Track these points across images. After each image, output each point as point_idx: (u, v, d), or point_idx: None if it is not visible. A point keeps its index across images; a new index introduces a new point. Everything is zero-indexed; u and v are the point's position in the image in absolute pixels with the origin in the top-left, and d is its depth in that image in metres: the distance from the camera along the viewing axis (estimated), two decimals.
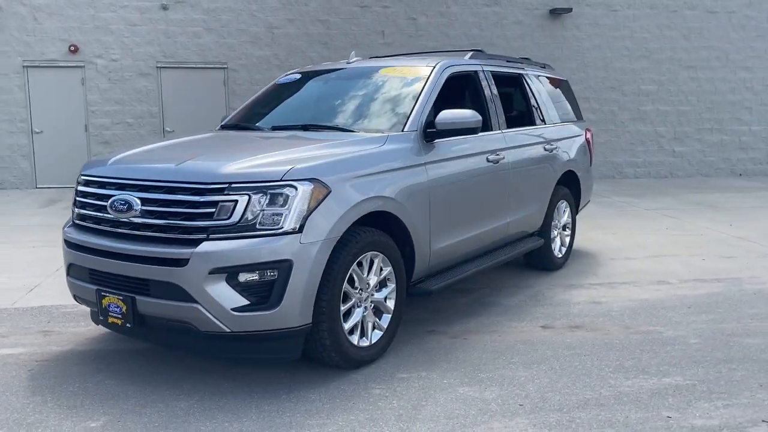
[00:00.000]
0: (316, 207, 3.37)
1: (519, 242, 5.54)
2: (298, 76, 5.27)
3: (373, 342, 3.81)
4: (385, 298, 3.91)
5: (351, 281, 3.64)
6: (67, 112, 12.14)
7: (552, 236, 6.01)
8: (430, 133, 4.26)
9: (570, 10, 12.97)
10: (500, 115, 5.17)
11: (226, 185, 3.29)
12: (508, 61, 5.85)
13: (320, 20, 12.52)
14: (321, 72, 5.20)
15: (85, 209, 3.72)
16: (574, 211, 6.46)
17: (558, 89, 6.54)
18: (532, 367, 3.77)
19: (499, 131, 5.10)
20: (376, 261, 3.79)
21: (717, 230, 8.04)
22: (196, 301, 3.22)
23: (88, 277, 3.63)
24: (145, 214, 3.40)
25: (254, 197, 3.27)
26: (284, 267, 3.25)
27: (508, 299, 5.19)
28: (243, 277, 3.23)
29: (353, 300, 3.66)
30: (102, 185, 3.66)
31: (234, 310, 3.22)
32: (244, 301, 3.24)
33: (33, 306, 5.02)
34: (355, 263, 3.61)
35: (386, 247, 3.83)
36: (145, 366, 3.79)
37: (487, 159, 4.83)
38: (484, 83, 5.10)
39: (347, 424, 3.06)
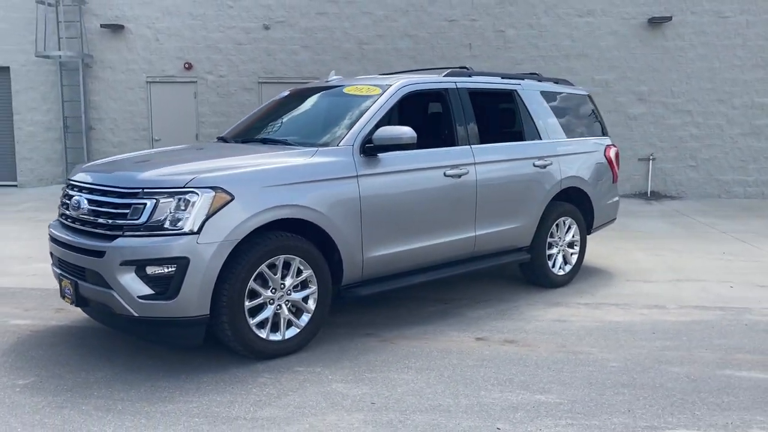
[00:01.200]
0: (216, 212, 3.82)
1: (499, 256, 5.60)
2: (287, 93, 5.76)
3: (286, 338, 4.18)
4: (306, 299, 4.27)
5: (264, 280, 4.05)
6: (181, 123, 13.63)
7: (549, 253, 5.96)
8: (370, 147, 4.55)
9: (669, 18, 12.28)
10: (471, 131, 5.29)
11: (140, 190, 3.85)
12: (503, 78, 5.92)
13: (408, 35, 12.95)
14: (302, 90, 5.64)
15: (61, 207, 4.48)
16: (584, 228, 6.31)
17: (572, 105, 6.45)
18: (422, 372, 3.94)
19: (467, 146, 5.22)
20: (293, 264, 4.16)
21: None
22: (111, 288, 3.81)
23: (57, 263, 4.36)
24: (89, 212, 4.06)
25: (162, 201, 3.79)
26: (182, 263, 3.73)
27: (476, 311, 5.29)
28: (149, 269, 3.76)
29: (262, 297, 4.05)
30: (71, 187, 4.39)
31: (140, 297, 3.76)
32: (149, 291, 3.76)
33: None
34: (264, 264, 4.01)
35: (304, 251, 4.18)
36: (106, 344, 4.44)
37: (445, 173, 4.99)
38: (453, 100, 5.25)
39: (208, 403, 3.47)
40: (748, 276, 6.54)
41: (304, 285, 4.27)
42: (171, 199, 3.80)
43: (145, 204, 3.80)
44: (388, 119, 4.88)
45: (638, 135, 12.81)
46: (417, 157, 4.90)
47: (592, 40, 12.64)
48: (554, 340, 4.58)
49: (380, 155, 4.63)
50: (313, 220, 4.21)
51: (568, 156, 6.07)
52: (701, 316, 5.20)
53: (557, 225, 6.04)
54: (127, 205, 3.85)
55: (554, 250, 6.06)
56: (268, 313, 4.09)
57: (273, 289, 4.11)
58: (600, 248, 7.91)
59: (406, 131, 4.53)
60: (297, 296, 4.23)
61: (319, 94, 5.34)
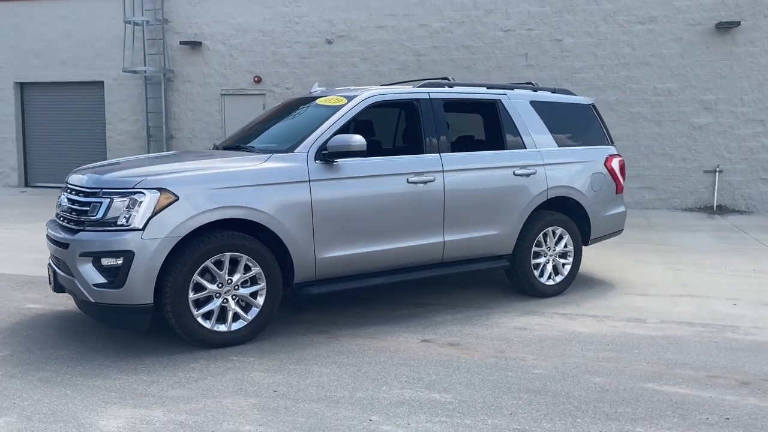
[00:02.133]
0: (161, 210, 4.24)
1: (475, 262, 5.68)
2: (279, 104, 6.14)
3: (232, 329, 4.53)
4: (255, 294, 4.60)
5: (212, 274, 4.42)
6: None
7: (535, 262, 5.95)
8: (324, 154, 4.83)
9: (738, 23, 11.62)
10: (441, 139, 5.43)
11: (99, 190, 4.35)
12: (489, 88, 6.01)
13: (464, 46, 13.06)
14: (291, 101, 5.99)
15: (56, 206, 5.09)
16: (578, 239, 6.22)
17: (569, 114, 6.40)
18: (344, 367, 4.16)
19: (436, 154, 5.37)
20: (241, 261, 4.51)
21: None
22: (73, 276, 4.33)
23: (49, 255, 4.97)
24: (67, 209, 4.61)
25: (115, 200, 4.26)
26: (128, 256, 4.18)
27: (445, 316, 5.41)
28: (104, 261, 4.24)
29: (208, 290, 4.42)
30: (63, 188, 4.98)
31: (95, 285, 4.25)
32: (103, 280, 4.24)
33: None
34: (210, 260, 4.39)
35: (251, 250, 4.52)
36: (89, 328, 4.97)
37: (408, 180, 5.17)
38: (425, 110, 5.41)
39: (132, 382, 3.88)
40: (764, 294, 6.18)
41: (254, 281, 4.61)
42: (124, 199, 4.26)
43: (102, 202, 4.29)
44: (349, 128, 5.12)
45: (703, 146, 12.18)
46: (378, 164, 5.13)
47: (654, 48, 12.18)
48: (498, 346, 4.63)
49: (341, 162, 4.90)
50: (260, 221, 4.54)
51: (556, 165, 6.04)
52: (675, 332, 5.04)
53: (546, 234, 6.01)
54: (89, 203, 4.36)
55: (542, 260, 6.03)
56: (213, 305, 4.46)
57: (220, 283, 4.47)
58: (618, 260, 7.71)
59: (355, 139, 4.77)
60: (245, 291, 4.57)
61: (300, 105, 5.68)
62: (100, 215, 4.28)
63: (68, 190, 4.75)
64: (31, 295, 5.97)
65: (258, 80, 14.21)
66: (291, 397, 3.66)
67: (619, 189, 6.58)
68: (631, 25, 12.26)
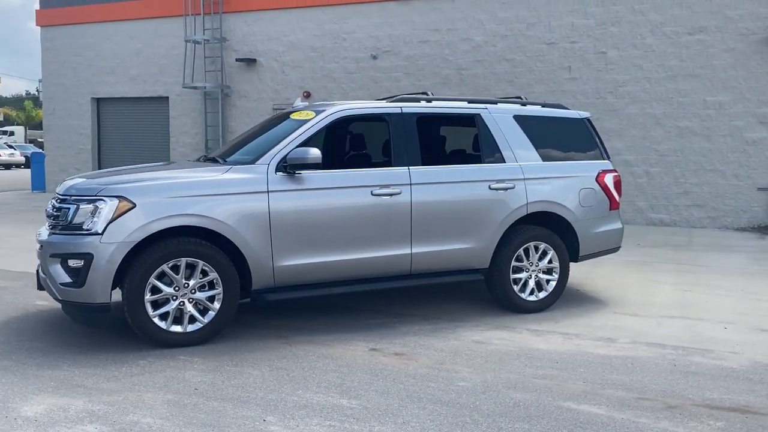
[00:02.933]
0: (119, 216, 4.57)
1: (448, 275, 5.71)
2: (267, 118, 6.41)
3: (188, 330, 4.80)
4: (212, 299, 4.86)
5: (169, 278, 4.71)
6: None
7: (515, 277, 5.89)
8: (285, 166, 5.03)
9: None
10: (411, 153, 5.50)
11: (69, 197, 4.74)
12: (470, 102, 6.04)
13: (506, 59, 12.98)
14: (276, 116, 6.24)
15: None
16: (565, 255, 6.10)
17: (559, 128, 6.32)
18: (275, 370, 4.32)
19: (404, 167, 5.46)
20: (198, 266, 4.78)
21: None
22: (47, 274, 4.73)
23: None
24: (50, 215, 5.04)
25: (81, 206, 4.64)
26: (88, 258, 4.54)
27: (411, 327, 5.46)
28: (70, 262, 4.62)
29: (164, 293, 4.71)
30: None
31: (61, 284, 4.63)
32: (68, 279, 4.62)
33: None
34: (166, 264, 4.68)
35: (208, 256, 4.78)
36: (76, 324, 5.39)
37: (372, 192, 5.29)
38: (395, 125, 5.52)
39: (75, 373, 4.20)
40: (759, 320, 5.84)
41: (211, 286, 4.86)
42: (89, 205, 4.63)
43: (70, 208, 4.68)
44: (314, 141, 5.30)
45: (758, 162, 11.51)
46: (342, 176, 5.29)
47: (704, 59, 11.66)
48: (441, 358, 4.65)
49: (306, 173, 5.10)
50: (214, 229, 4.80)
51: (539, 180, 5.98)
52: (639, 353, 4.88)
53: (527, 249, 5.95)
54: (60, 209, 4.76)
55: (523, 275, 5.97)
56: (169, 307, 4.75)
57: (176, 287, 4.75)
58: (628, 278, 7.48)
59: (311, 152, 4.96)
60: (201, 295, 4.82)
61: (280, 120, 5.92)
62: (68, 220, 4.67)
63: (54, 197, 5.20)
64: (45, 293, 6.49)
65: (307, 95, 14.67)
66: (206, 396, 3.86)
67: (613, 205, 6.41)
68: (679, 36, 11.80)
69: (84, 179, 5.02)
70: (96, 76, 17.19)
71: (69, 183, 4.99)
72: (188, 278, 4.78)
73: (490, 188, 5.76)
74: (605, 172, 6.37)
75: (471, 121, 5.96)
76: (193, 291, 4.80)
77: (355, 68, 14.27)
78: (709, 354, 4.87)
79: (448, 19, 13.38)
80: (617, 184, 6.45)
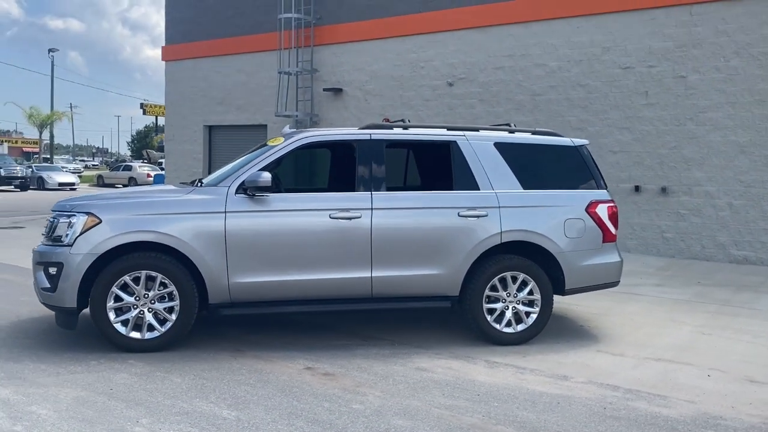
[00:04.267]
0: (86, 231, 5.13)
1: (413, 300, 5.73)
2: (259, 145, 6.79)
3: (146, 338, 5.23)
4: (171, 309, 5.27)
5: (131, 288, 5.19)
6: None
7: (489, 307, 5.77)
8: (243, 189, 5.36)
9: None
10: (375, 178, 5.62)
11: (55, 212, 5.38)
12: (449, 129, 6.04)
13: (581, 85, 12.55)
14: (260, 144, 6.57)
15: None
16: (547, 287, 5.87)
17: (546, 157, 6.15)
18: (197, 379, 4.62)
19: (367, 192, 5.58)
20: (158, 278, 5.22)
21: None
22: (34, 279, 5.40)
23: None
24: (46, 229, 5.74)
25: (60, 221, 5.26)
26: (59, 267, 5.13)
27: (371, 350, 5.54)
28: (49, 269, 5.24)
29: (125, 302, 5.18)
30: None
31: (42, 288, 5.26)
32: (47, 285, 5.24)
33: None
34: (127, 275, 5.16)
35: (166, 270, 5.21)
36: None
37: (331, 216, 5.47)
38: (361, 151, 5.67)
39: (28, 368, 4.76)
40: (757, 369, 5.26)
41: (171, 297, 5.27)
42: (66, 220, 5.24)
43: (53, 222, 5.32)
44: (281, 165, 5.59)
45: None
46: (301, 198, 5.54)
47: None
48: (364, 381, 4.71)
49: (269, 196, 5.41)
50: (172, 245, 5.22)
51: (515, 208, 5.84)
52: (579, 393, 4.62)
53: (504, 279, 5.80)
54: (49, 223, 5.41)
55: (498, 305, 5.82)
56: (129, 315, 5.21)
57: (137, 297, 5.21)
58: (647, 316, 7.05)
59: (263, 175, 5.27)
60: (159, 306, 5.25)
61: (263, 145, 6.27)
62: (50, 232, 5.31)
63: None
64: None
65: (387, 122, 15.02)
66: (113, 396, 4.23)
67: (607, 237, 6.07)
68: None
69: (70, 198, 5.67)
70: (208, 106, 18.76)
71: (59, 201, 5.66)
72: (149, 289, 5.23)
73: (459, 215, 5.71)
74: (598, 202, 6.06)
75: (446, 148, 5.96)
76: (152, 301, 5.24)
77: (431, 95, 14.46)
78: (658, 401, 4.50)
79: (522, 44, 13.21)
80: (613, 216, 6.10)
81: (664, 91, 11.72)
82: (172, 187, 5.82)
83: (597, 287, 6.20)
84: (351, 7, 15.73)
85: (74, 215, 5.22)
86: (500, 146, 6.01)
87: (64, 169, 41.66)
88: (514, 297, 5.84)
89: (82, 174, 49.11)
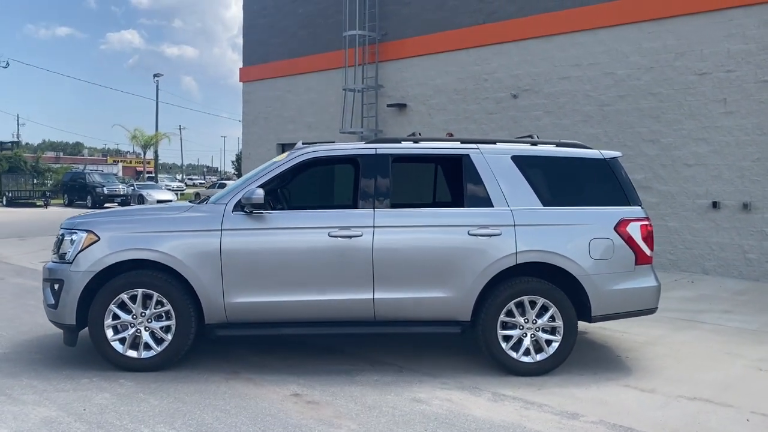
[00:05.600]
0: (86, 248, 5.15)
1: (420, 324, 5.38)
2: None
3: (142, 357, 5.18)
4: (167, 329, 5.19)
5: (129, 306, 5.16)
6: None
7: (505, 334, 5.32)
8: (240, 206, 5.23)
9: None
10: (379, 195, 5.33)
11: (62, 229, 5.45)
12: (463, 143, 5.67)
13: (652, 93, 11.68)
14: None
15: None
16: (571, 313, 5.34)
17: (570, 171, 5.64)
18: (172, 403, 4.48)
19: (369, 209, 5.30)
20: (154, 297, 5.17)
21: None
22: (43, 295, 5.49)
23: None
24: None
25: (65, 238, 5.32)
26: (60, 283, 5.18)
27: (371, 377, 5.23)
28: (54, 285, 5.31)
29: (122, 320, 5.15)
30: None
31: (47, 305, 5.34)
32: (52, 301, 5.30)
33: None
34: (125, 293, 5.14)
35: (162, 288, 5.15)
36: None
37: (330, 234, 5.22)
38: (366, 166, 5.40)
39: (19, 384, 4.78)
40: None
41: (168, 316, 5.20)
42: (69, 237, 5.29)
43: (59, 239, 5.39)
44: (281, 182, 5.42)
45: None
46: (300, 216, 5.33)
47: None
48: (347, 412, 4.42)
49: (266, 213, 5.26)
50: (167, 263, 5.15)
51: (533, 226, 5.37)
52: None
53: (521, 304, 5.34)
54: (56, 241, 5.50)
55: (515, 332, 5.35)
56: (126, 333, 5.18)
57: (134, 315, 5.17)
58: (697, 347, 6.33)
59: (256, 192, 5.11)
60: (156, 325, 5.19)
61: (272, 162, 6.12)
62: (57, 249, 5.38)
63: None
64: None
65: (450, 135, 14.64)
66: (80, 418, 4.18)
67: (640, 259, 5.46)
68: None
69: (77, 215, 5.74)
70: (281, 125, 19.09)
71: (67, 218, 5.75)
72: (146, 308, 5.18)
73: (469, 234, 5.31)
74: (629, 220, 5.46)
75: (458, 162, 5.58)
76: (149, 320, 5.19)
77: (495, 108, 13.96)
78: None
79: (589, 53, 12.50)
80: (647, 235, 5.49)
81: (745, 97, 10.68)
82: (175, 204, 5.79)
83: (630, 314, 5.59)
84: (415, 21, 15.55)
85: (76, 232, 5.26)
86: (518, 160, 5.56)
87: (167, 188, 43.86)
88: (533, 323, 5.35)
89: (184, 192, 51.59)
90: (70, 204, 34.24)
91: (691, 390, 5.02)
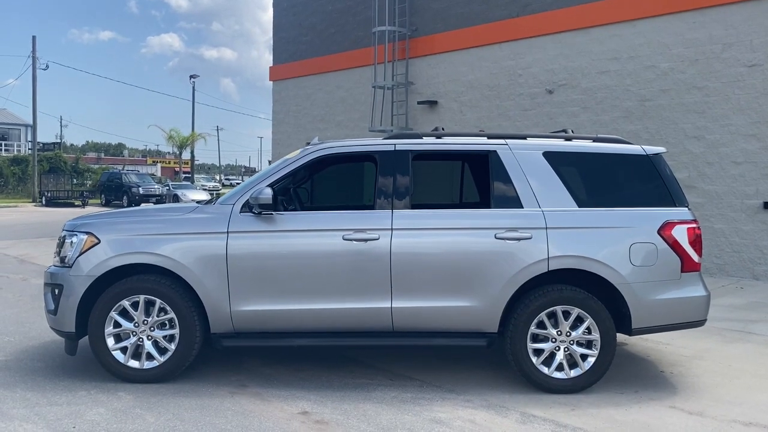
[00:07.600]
0: (86, 251, 4.85)
1: (443, 336, 4.94)
2: None
3: (145, 367, 4.85)
4: (172, 338, 4.86)
5: (131, 314, 4.84)
6: None
7: (535, 347, 4.86)
8: (248, 206, 4.86)
9: None
10: (397, 194, 4.90)
11: (64, 231, 5.16)
12: (489, 138, 5.21)
13: (697, 87, 10.99)
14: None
15: None
16: (609, 325, 4.85)
17: (610, 168, 5.13)
18: (170, 421, 4.13)
19: (387, 210, 4.88)
20: (157, 304, 4.84)
21: None
22: (44, 301, 5.21)
23: None
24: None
25: (66, 240, 5.03)
26: (60, 288, 4.89)
27: (389, 393, 4.82)
28: (54, 290, 5.02)
29: (123, 328, 4.84)
30: None
31: (47, 310, 5.06)
32: (52, 306, 5.01)
33: None
34: (126, 300, 4.82)
35: (165, 295, 4.81)
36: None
37: (344, 237, 4.82)
38: (384, 163, 4.98)
39: (15, 395, 4.49)
40: None
41: (171, 325, 4.86)
42: (70, 239, 5.00)
43: (61, 241, 5.10)
44: (293, 180, 5.04)
45: None
46: (312, 217, 4.95)
47: None
48: (347, 424, 4.00)
49: (277, 214, 4.89)
50: (170, 268, 4.81)
51: (567, 229, 4.88)
52: None
53: (554, 314, 4.86)
54: (58, 242, 5.21)
55: (546, 345, 4.88)
56: (128, 342, 4.86)
57: (136, 323, 4.85)
58: (752, 363, 5.69)
59: (264, 192, 4.74)
60: (159, 334, 4.86)
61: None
62: (59, 251, 5.10)
63: None
64: None
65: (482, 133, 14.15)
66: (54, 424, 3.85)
67: (687, 266, 4.93)
68: None
69: (79, 216, 5.44)
70: (311, 123, 18.78)
71: (69, 219, 5.47)
72: (149, 315, 4.85)
73: (496, 237, 4.85)
74: (675, 223, 4.94)
75: (484, 159, 5.13)
76: (152, 328, 4.86)
77: (530, 104, 13.40)
78: None
79: (628, 45, 11.85)
80: (695, 240, 4.95)
81: None
82: (181, 205, 5.47)
83: (675, 327, 5.06)
84: (447, 16, 15.06)
85: (76, 235, 4.97)
86: (551, 156, 5.07)
87: (202, 188, 44.12)
88: (567, 336, 4.87)
89: (219, 191, 51.92)
90: (107, 204, 34.62)
91: (745, 413, 4.48)
